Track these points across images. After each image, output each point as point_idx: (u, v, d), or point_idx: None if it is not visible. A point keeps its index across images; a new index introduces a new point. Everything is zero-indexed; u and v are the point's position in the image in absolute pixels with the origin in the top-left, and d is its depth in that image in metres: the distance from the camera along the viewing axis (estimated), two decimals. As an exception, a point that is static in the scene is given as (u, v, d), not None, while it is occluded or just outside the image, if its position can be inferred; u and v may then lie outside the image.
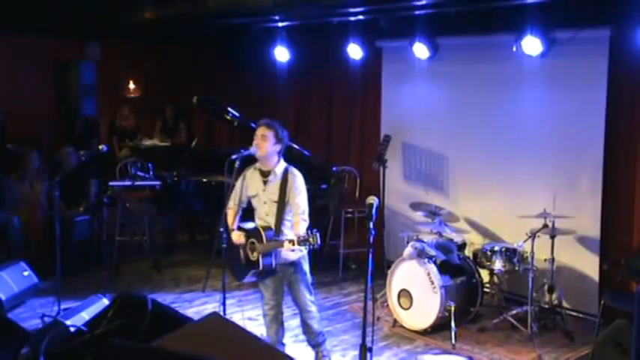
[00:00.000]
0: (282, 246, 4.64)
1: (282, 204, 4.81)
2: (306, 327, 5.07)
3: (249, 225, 4.95)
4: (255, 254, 4.78)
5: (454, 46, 7.08)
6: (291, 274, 4.92)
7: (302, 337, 5.39)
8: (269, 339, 5.04)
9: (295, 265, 4.89)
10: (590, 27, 5.95)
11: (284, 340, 5.21)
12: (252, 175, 4.96)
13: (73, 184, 7.32)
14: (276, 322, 5.04)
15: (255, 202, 4.96)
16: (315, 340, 5.10)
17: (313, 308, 5.01)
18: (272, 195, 4.85)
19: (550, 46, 6.17)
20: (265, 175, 4.89)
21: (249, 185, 4.96)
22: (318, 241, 4.46)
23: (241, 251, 4.91)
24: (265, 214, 4.88)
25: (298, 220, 4.78)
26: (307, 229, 4.67)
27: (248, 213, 5.06)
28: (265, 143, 4.80)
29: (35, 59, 9.35)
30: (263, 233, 4.75)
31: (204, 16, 7.62)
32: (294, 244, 4.53)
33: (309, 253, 4.94)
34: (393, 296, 6.06)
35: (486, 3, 6.23)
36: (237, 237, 4.88)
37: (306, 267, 4.96)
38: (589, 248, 6.21)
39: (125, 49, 10.06)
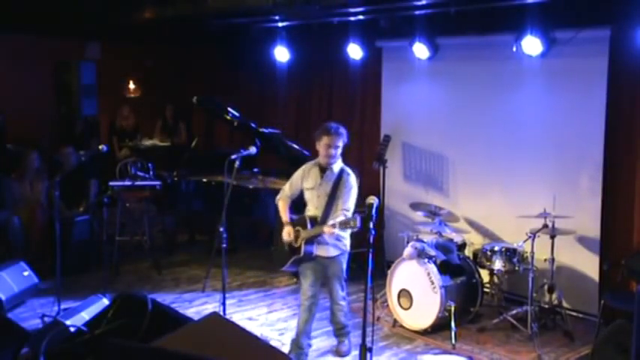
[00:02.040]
0: (324, 231, 4.97)
1: (332, 198, 5.15)
2: (333, 317, 5.46)
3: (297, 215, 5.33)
4: (299, 241, 5.14)
5: (454, 46, 7.08)
6: (329, 269, 5.23)
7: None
8: (296, 328, 5.32)
9: (335, 261, 5.21)
10: (590, 27, 5.95)
11: (312, 334, 5.42)
12: (311, 169, 5.32)
13: (73, 184, 7.32)
14: (309, 312, 5.26)
15: (308, 194, 5.30)
16: (339, 331, 5.47)
17: (343, 303, 5.37)
18: (326, 188, 5.18)
19: (550, 46, 6.17)
20: (324, 170, 5.24)
21: (308, 178, 5.31)
22: (358, 224, 4.68)
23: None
24: (315, 207, 5.21)
25: (339, 214, 5.05)
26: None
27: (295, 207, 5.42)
28: (338, 152, 5.20)
29: (35, 59, 9.35)
30: (308, 221, 5.11)
31: (204, 16, 7.62)
32: (334, 227, 4.85)
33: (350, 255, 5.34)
34: (393, 296, 6.05)
35: (486, 3, 6.23)
36: (288, 235, 5.21)
37: (344, 265, 5.29)
38: (589, 248, 6.21)
39: (125, 49, 10.06)
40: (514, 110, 6.69)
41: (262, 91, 9.24)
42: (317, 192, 5.21)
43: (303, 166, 5.38)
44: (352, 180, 5.21)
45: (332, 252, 5.18)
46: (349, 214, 5.01)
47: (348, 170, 5.26)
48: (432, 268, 5.80)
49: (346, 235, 5.21)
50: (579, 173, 6.28)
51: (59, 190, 5.87)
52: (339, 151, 5.20)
